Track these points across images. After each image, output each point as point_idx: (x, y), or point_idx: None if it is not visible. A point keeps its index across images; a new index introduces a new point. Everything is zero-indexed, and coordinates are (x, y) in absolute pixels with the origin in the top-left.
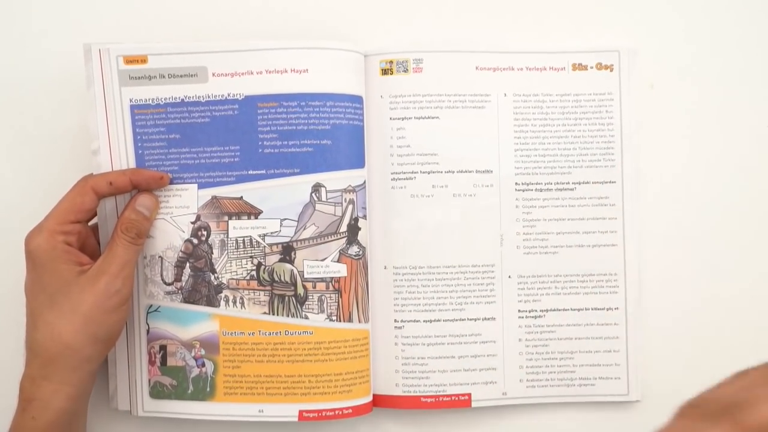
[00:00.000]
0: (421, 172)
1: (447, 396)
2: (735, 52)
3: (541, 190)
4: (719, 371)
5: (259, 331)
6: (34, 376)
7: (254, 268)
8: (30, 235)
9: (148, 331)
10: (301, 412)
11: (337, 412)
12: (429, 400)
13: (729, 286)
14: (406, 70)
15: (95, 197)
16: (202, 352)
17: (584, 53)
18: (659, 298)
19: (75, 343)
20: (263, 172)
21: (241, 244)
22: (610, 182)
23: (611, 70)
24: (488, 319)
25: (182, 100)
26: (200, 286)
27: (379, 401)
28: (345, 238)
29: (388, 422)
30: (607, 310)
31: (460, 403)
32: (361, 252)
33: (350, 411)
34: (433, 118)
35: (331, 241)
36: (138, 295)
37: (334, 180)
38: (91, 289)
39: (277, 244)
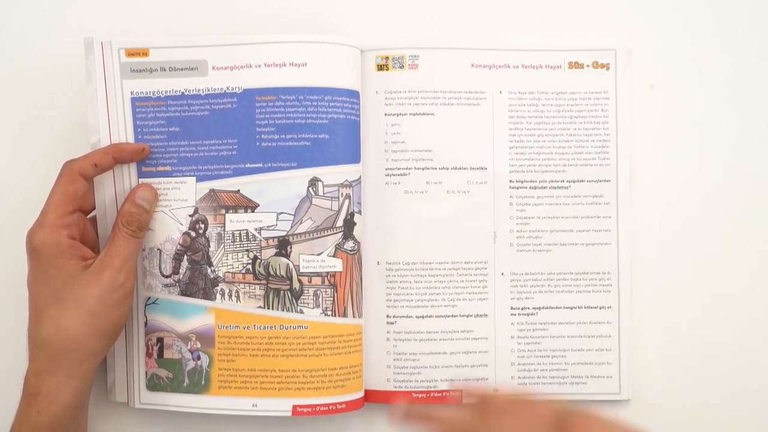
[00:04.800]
0: (415, 168)
1: (438, 392)
2: (733, 52)
3: (535, 188)
4: (711, 371)
5: (254, 325)
6: (40, 370)
7: (250, 261)
8: (33, 232)
9: (146, 323)
10: (294, 406)
11: (330, 407)
12: (420, 395)
13: (722, 285)
14: (401, 66)
15: (85, 182)
16: (198, 345)
17: (581, 51)
18: (652, 297)
19: (81, 337)
20: (260, 165)
21: (238, 238)
22: (604, 181)
23: (607, 69)
24: (480, 315)
25: (182, 93)
26: (197, 279)
27: (371, 396)
28: (341, 233)
29: (379, 417)
30: (600, 308)
31: (451, 399)
32: (356, 247)
33: (344, 406)
34: (428, 114)
35: (328, 235)
36: (137, 287)
37: (331, 174)
38: (95, 284)
39: (273, 237)
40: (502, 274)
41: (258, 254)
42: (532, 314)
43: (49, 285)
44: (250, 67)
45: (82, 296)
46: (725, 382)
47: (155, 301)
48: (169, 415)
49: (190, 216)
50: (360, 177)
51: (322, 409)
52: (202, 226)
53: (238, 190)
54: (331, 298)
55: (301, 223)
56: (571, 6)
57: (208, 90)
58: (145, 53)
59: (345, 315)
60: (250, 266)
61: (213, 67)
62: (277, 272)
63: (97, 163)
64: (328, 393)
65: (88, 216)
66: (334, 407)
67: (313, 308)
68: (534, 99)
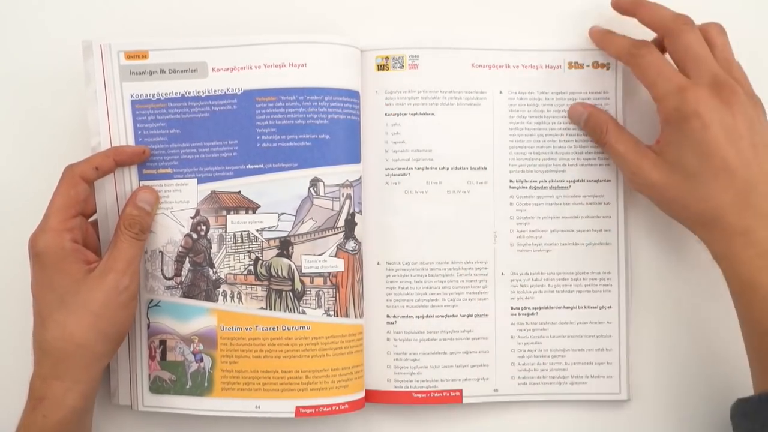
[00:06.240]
0: (415, 168)
1: (438, 392)
2: (733, 52)
3: (535, 188)
4: (711, 371)
5: (257, 326)
6: (45, 375)
7: (252, 262)
8: (35, 237)
9: (148, 326)
10: (298, 407)
11: (333, 407)
12: (420, 395)
13: (723, 285)
14: (401, 66)
15: (86, 186)
16: (201, 347)
17: (581, 51)
18: (652, 297)
19: (87, 341)
20: (261, 166)
21: (239, 239)
22: (604, 181)
23: (607, 69)
24: (481, 315)
25: (182, 95)
26: (199, 280)
27: (371, 396)
28: (342, 233)
29: (379, 418)
30: (600, 308)
31: (452, 399)
32: (357, 247)
33: (346, 406)
34: (428, 114)
35: (329, 235)
36: (139, 289)
37: (332, 175)
38: (100, 287)
39: (274, 238)
40: (502, 274)
41: (260, 255)
42: (532, 314)
43: (53, 289)
44: (250, 68)
45: (87, 300)
46: (725, 382)
47: (157, 303)
48: (173, 418)
49: (192, 218)
50: (360, 177)
51: (325, 409)
52: (204, 227)
53: (239, 192)
54: (333, 299)
55: (302, 224)
56: (571, 6)
57: (208, 91)
58: (145, 55)
59: (347, 315)
60: (251, 267)
61: (213, 69)
62: (279, 273)
63: (98, 167)
64: (331, 393)
65: (90, 219)
66: (337, 407)
67: (316, 309)
68: (534, 99)
